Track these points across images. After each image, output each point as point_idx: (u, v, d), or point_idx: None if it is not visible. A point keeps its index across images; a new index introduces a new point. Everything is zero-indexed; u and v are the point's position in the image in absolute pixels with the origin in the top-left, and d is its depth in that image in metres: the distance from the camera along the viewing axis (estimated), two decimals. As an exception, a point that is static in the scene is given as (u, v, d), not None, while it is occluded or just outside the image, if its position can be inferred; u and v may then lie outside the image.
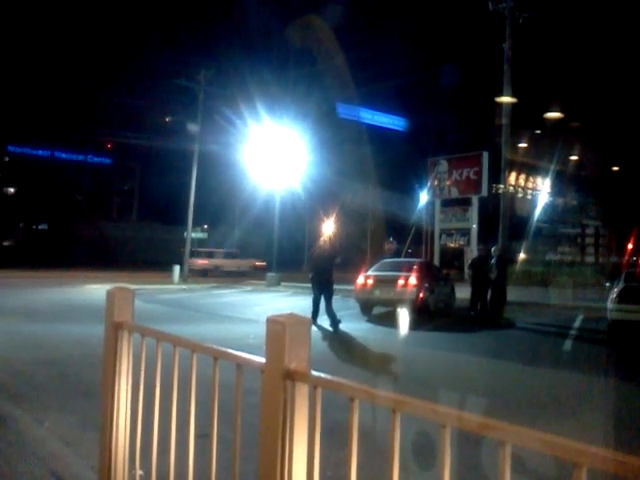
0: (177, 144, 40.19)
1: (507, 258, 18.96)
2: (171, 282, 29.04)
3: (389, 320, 14.59)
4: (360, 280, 15.81)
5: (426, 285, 15.44)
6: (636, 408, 6.96)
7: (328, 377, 1.92)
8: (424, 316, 14.86)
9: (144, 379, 2.85)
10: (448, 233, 35.35)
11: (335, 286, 14.41)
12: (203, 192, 35.80)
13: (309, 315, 12.60)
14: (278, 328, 2.02)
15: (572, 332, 13.65)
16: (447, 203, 35.78)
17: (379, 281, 15.52)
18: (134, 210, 68.05)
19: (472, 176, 34.05)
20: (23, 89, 51.54)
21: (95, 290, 21.65)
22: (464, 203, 34.63)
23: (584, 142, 42.45)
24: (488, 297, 16.16)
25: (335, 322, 13.21)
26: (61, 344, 10.14)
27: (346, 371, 7.99)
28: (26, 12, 50.70)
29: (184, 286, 27.90)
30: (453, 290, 18.23)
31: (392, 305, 15.51)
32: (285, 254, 35.79)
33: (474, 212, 33.79)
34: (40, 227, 61.01)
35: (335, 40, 37.68)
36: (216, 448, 2.36)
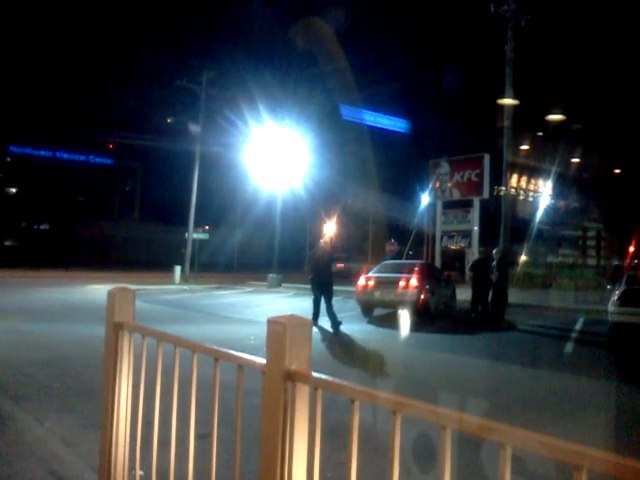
0: (179, 145, 40.21)
1: (508, 260, 18.96)
2: (172, 282, 29.06)
3: (390, 322, 14.58)
4: (361, 281, 15.81)
5: (427, 287, 15.43)
6: (637, 411, 6.95)
7: (329, 378, 1.92)
8: (425, 318, 14.85)
9: (144, 379, 2.85)
10: (449, 235, 35.37)
11: (336, 287, 14.46)
12: (205, 193, 35.84)
13: (310, 316, 12.60)
14: (279, 329, 2.02)
15: (573, 334, 13.63)
16: (448, 205, 35.79)
17: (380, 283, 15.51)
18: (135, 211, 68.11)
19: (474, 178, 34.06)
20: (25, 89, 51.63)
21: (96, 290, 21.67)
22: (465, 205, 34.64)
23: (586, 144, 42.45)
24: (489, 299, 16.15)
25: (336, 323, 13.21)
26: (62, 344, 10.14)
27: (347, 373, 7.98)
28: (29, 13, 50.79)
29: (185, 286, 27.91)
30: (454, 292, 18.21)
31: (393, 307, 15.50)
32: (286, 255, 35.82)
33: (475, 214, 33.79)
34: (41, 227, 61.05)
35: (338, 42, 37.71)
36: (216, 448, 2.36)
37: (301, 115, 33.44)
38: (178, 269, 30.54)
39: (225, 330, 12.90)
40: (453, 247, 35.46)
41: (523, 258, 35.88)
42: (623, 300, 12.40)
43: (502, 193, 23.26)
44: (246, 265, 49.60)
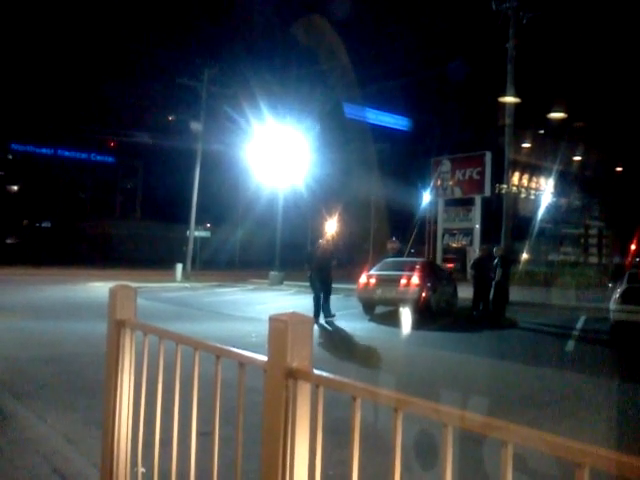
0: (180, 143, 40.26)
1: (509, 258, 18.95)
2: (174, 280, 29.07)
3: (391, 319, 14.60)
4: (362, 279, 15.81)
5: (428, 285, 15.43)
6: (639, 408, 6.95)
7: (330, 376, 1.92)
8: (426, 316, 14.86)
9: (146, 377, 2.85)
10: (451, 233, 35.34)
11: (337, 285, 14.54)
12: (206, 191, 35.83)
13: (311, 314, 12.63)
14: (280, 326, 2.02)
15: (575, 333, 13.63)
16: (450, 203, 35.77)
17: (382, 280, 15.51)
18: (137, 208, 68.12)
19: (475, 176, 34.03)
20: (27, 87, 51.65)
21: (98, 288, 21.70)
22: (467, 203, 34.61)
23: (588, 142, 42.37)
24: (490, 297, 16.15)
25: (329, 316, 13.68)
26: (64, 341, 10.16)
27: (348, 370, 7.99)
28: (30, 10, 50.81)
29: (187, 284, 27.93)
30: (455, 290, 18.21)
31: (394, 304, 15.52)
32: (288, 253, 35.78)
33: (477, 212, 33.77)
34: (43, 225, 61.11)
35: (339, 39, 37.67)
36: (218, 446, 2.37)
37: (302, 113, 33.43)
38: (180, 267, 30.56)
39: (227, 328, 12.92)
40: (455, 245, 35.44)
41: (525, 256, 35.84)
42: (624, 298, 12.39)
43: (503, 191, 23.23)
44: (248, 263, 49.59)
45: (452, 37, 36.54)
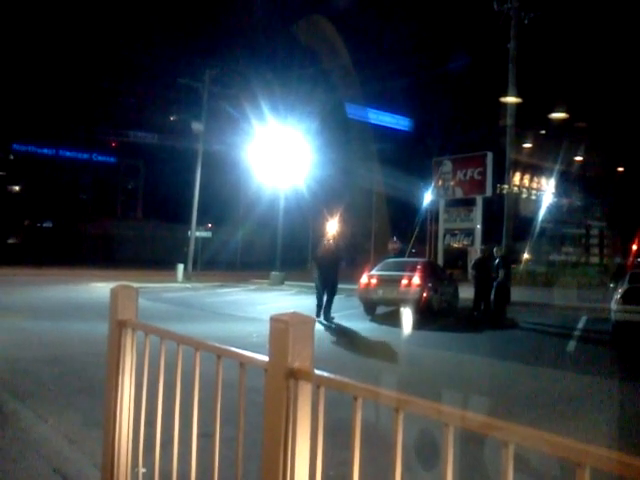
0: (181, 143, 40.30)
1: (510, 258, 18.94)
2: (175, 280, 29.08)
3: (393, 320, 14.59)
4: (364, 279, 15.80)
5: (430, 285, 15.43)
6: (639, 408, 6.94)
7: (331, 376, 1.92)
8: (427, 316, 14.85)
9: (147, 377, 2.86)
10: (452, 233, 35.32)
11: (339, 285, 14.63)
12: (208, 191, 35.85)
13: (313, 314, 12.64)
14: (282, 327, 2.02)
15: (576, 333, 13.62)
16: (451, 203, 35.75)
17: (383, 281, 15.51)
18: (138, 209, 68.19)
19: (476, 176, 34.01)
20: (28, 88, 51.69)
21: (99, 288, 21.71)
22: (468, 203, 34.59)
23: (589, 143, 42.36)
24: (492, 297, 16.15)
25: (328, 319, 13.80)
26: (65, 342, 10.16)
27: (349, 370, 7.99)
28: (31, 10, 50.84)
29: (188, 284, 27.94)
30: (457, 290, 18.21)
31: (396, 305, 15.52)
32: (289, 253, 35.81)
33: (478, 212, 33.74)
34: (45, 225, 61.17)
35: (340, 39, 37.68)
36: (219, 446, 2.37)
37: (304, 113, 33.45)
38: (181, 267, 30.58)
39: (228, 328, 12.92)
40: (456, 245, 35.42)
41: (526, 256, 35.84)
42: (626, 298, 12.38)
43: (505, 191, 23.25)
44: (249, 263, 49.63)
45: (454, 37, 36.55)
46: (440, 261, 32.76)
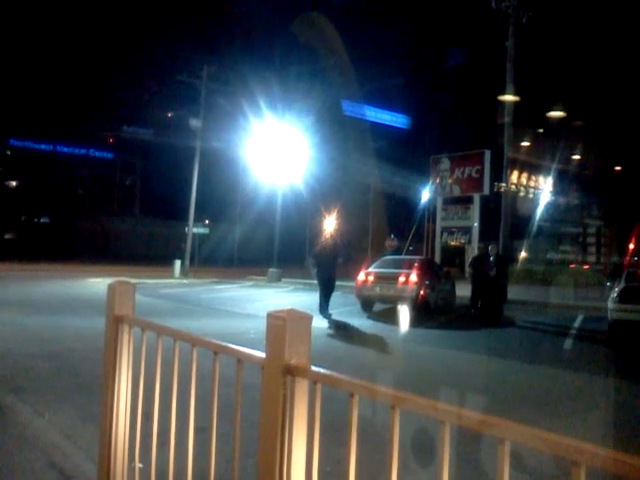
0: (179, 139, 40.26)
1: (504, 256, 18.99)
2: (172, 277, 29.08)
3: (390, 317, 14.60)
4: (361, 277, 15.81)
5: (427, 282, 15.44)
6: (636, 407, 6.97)
7: (328, 373, 1.93)
8: (424, 313, 14.87)
9: (144, 372, 2.86)
10: (449, 231, 35.37)
11: (336, 282, 14.65)
12: (205, 187, 35.80)
13: (310, 311, 12.65)
14: (278, 323, 2.02)
15: (572, 331, 13.66)
16: (449, 201, 35.79)
17: (380, 278, 15.52)
18: (135, 205, 68.06)
19: (474, 174, 34.04)
20: (25, 83, 51.55)
21: (96, 284, 21.69)
22: (466, 201, 34.63)
23: (587, 141, 42.40)
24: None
25: (326, 310, 13.84)
26: (62, 337, 10.16)
27: (345, 367, 7.99)
28: (28, 5, 50.65)
29: (185, 281, 27.93)
30: (454, 288, 18.23)
31: (393, 302, 15.53)
32: (286, 250, 35.78)
33: (475, 210, 33.80)
34: (42, 221, 61.07)
35: (338, 37, 37.64)
36: (216, 442, 2.37)
37: (301, 110, 33.41)
38: (178, 263, 30.56)
39: (225, 324, 12.92)
40: (453, 243, 35.47)
41: (523, 255, 35.87)
42: (622, 297, 12.41)
43: (502, 189, 23.26)
44: (246, 260, 49.58)
45: (452, 35, 36.52)
46: (437, 259, 32.80)
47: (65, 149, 62.53)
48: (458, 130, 38.91)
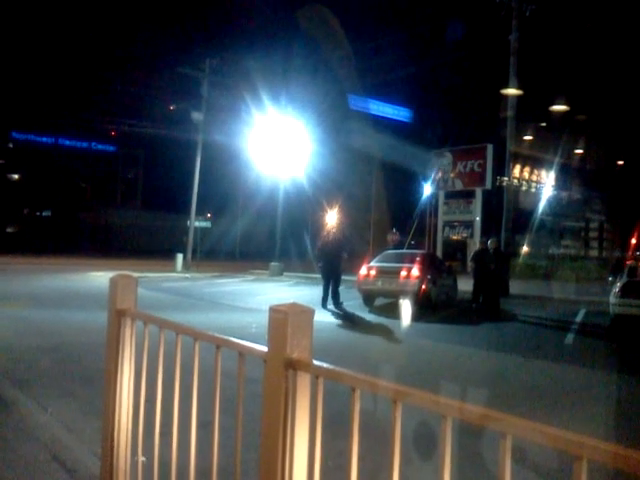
0: (181, 132, 40.17)
1: (503, 251, 19.00)
2: (174, 270, 29.10)
3: (392, 311, 14.62)
4: (363, 271, 15.82)
5: (428, 277, 15.44)
6: (637, 401, 6.97)
7: (330, 367, 1.93)
8: (426, 308, 14.89)
9: (146, 366, 2.86)
10: (451, 225, 35.33)
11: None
12: (207, 181, 35.76)
13: (311, 305, 12.69)
14: (280, 317, 2.02)
15: (574, 326, 13.66)
16: (451, 195, 35.72)
17: (382, 272, 15.52)
18: (138, 198, 68.02)
19: (476, 168, 33.98)
20: (27, 76, 51.48)
21: (98, 277, 21.72)
22: (468, 195, 34.56)
23: (589, 135, 42.29)
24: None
25: (338, 302, 14.91)
26: (64, 331, 10.18)
27: (347, 361, 8.01)
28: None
29: (187, 274, 27.96)
30: (455, 282, 18.23)
31: (394, 296, 15.54)
32: (288, 244, 35.80)
33: (478, 204, 33.74)
34: (44, 214, 61.11)
35: (341, 29, 37.52)
36: (218, 436, 2.38)
37: (304, 103, 33.35)
38: (180, 257, 30.58)
39: (227, 318, 12.94)
40: (455, 237, 35.43)
41: (525, 249, 35.84)
42: (624, 292, 12.41)
43: (505, 184, 23.19)
44: (248, 254, 49.63)
45: (455, 28, 36.35)
46: (439, 253, 32.79)
47: (67, 142, 62.49)
48: (460, 124, 38.81)
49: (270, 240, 36.57)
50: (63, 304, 14.15)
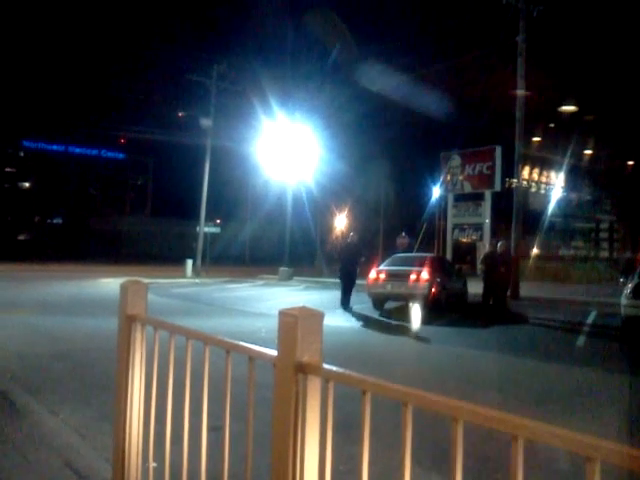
0: (190, 139, 40.35)
1: (508, 253, 18.89)
2: (184, 276, 29.18)
3: (401, 314, 14.58)
4: (372, 275, 15.81)
5: (438, 280, 15.40)
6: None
7: (340, 370, 1.92)
8: (436, 311, 14.83)
9: (157, 372, 2.87)
10: (461, 228, 35.25)
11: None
12: (216, 186, 35.89)
13: (321, 309, 12.68)
14: (290, 321, 2.02)
15: (585, 328, 13.57)
16: (460, 198, 35.67)
17: (391, 276, 15.51)
18: (147, 204, 68.37)
19: (485, 171, 33.91)
20: (38, 85, 51.89)
21: (109, 284, 21.81)
22: (477, 198, 34.50)
23: (599, 136, 42.07)
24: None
25: (347, 303, 15.54)
26: (76, 337, 10.22)
27: (357, 365, 7.98)
28: (40, 7, 50.94)
29: (197, 280, 28.03)
30: (465, 285, 18.16)
31: (404, 299, 15.50)
32: (298, 249, 35.83)
33: (487, 207, 33.66)
34: (55, 221, 61.50)
35: (349, 33, 37.58)
36: (228, 441, 2.37)
37: (312, 108, 33.40)
38: (190, 263, 30.68)
39: (236, 323, 12.95)
40: (464, 240, 35.34)
41: (535, 251, 35.69)
42: (636, 293, 12.31)
43: (514, 185, 23.10)
44: (257, 259, 49.72)
45: (462, 30, 36.32)
46: (449, 256, 32.70)
47: (77, 150, 62.94)
48: (469, 126, 38.73)
49: (279, 245, 36.60)
50: (74, 310, 14.22)
